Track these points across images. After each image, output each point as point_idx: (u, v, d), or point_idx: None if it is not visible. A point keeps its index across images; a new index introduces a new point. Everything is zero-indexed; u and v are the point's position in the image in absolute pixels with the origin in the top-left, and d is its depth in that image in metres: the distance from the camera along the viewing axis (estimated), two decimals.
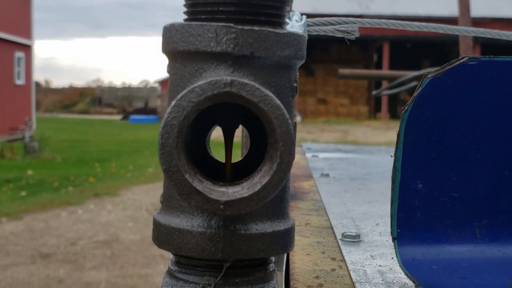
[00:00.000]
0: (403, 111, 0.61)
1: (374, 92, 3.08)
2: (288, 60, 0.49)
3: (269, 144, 0.45)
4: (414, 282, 0.58)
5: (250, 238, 0.47)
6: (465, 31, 1.39)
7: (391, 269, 0.65)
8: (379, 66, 28.50)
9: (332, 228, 0.85)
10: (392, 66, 25.99)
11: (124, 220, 7.63)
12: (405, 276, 0.60)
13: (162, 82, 33.72)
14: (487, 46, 23.43)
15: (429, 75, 0.60)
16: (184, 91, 0.43)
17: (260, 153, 0.49)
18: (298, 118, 25.34)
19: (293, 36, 0.49)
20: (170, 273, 0.51)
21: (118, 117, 34.26)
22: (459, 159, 0.63)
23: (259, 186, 0.44)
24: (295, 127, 0.49)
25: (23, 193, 9.30)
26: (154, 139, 19.40)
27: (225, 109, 0.51)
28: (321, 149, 2.12)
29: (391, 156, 0.61)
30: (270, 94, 0.44)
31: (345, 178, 1.40)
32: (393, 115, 27.87)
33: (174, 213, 0.49)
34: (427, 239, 0.62)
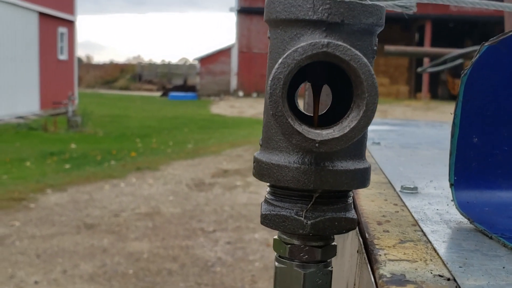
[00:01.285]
0: (463, 74, 0.70)
1: (419, 69, 3.13)
2: (371, 27, 0.59)
3: (356, 95, 0.55)
4: (469, 219, 0.68)
5: (336, 173, 0.58)
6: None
7: (447, 212, 0.75)
8: (420, 45, 28.07)
9: (390, 183, 0.95)
10: (434, 46, 25.61)
11: (165, 194, 7.78)
12: (461, 216, 0.70)
13: (201, 60, 33.74)
14: None
15: (486, 44, 0.70)
16: (289, 51, 0.54)
17: (338, 108, 0.60)
18: None
19: (376, 6, 0.59)
20: (267, 201, 0.62)
21: (157, 93, 34.54)
22: (510, 118, 0.72)
23: (347, 129, 0.55)
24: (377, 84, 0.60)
25: (67, 166, 9.52)
26: (193, 116, 19.59)
27: (314, 69, 0.61)
28: None
29: (451, 114, 0.70)
30: (359, 53, 0.54)
31: (396, 146, 1.48)
32: (434, 95, 27.52)
33: (274, 152, 0.60)
34: (480, 186, 0.72)
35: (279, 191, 0.62)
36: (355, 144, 0.60)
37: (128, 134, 13.85)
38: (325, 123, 0.60)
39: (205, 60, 33.53)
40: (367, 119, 0.55)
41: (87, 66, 41.45)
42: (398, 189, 0.89)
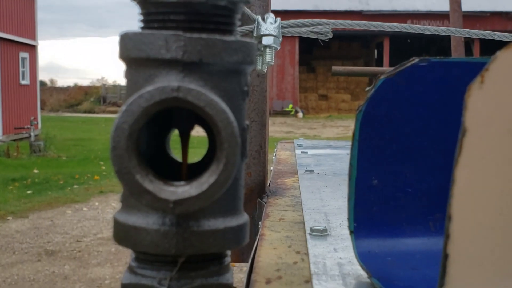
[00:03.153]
0: (357, 111, 0.63)
1: (367, 89, 3.09)
2: (237, 66, 0.51)
3: (217, 145, 0.47)
4: (367, 273, 0.60)
5: (202, 234, 0.50)
6: (450, 31, 1.41)
7: (350, 261, 0.67)
8: (379, 61, 28.49)
9: (303, 223, 0.87)
10: (392, 62, 25.98)
11: None
12: (361, 268, 0.62)
13: None
14: (486, 40, 23.36)
15: (382, 77, 0.62)
16: (133, 97, 0.46)
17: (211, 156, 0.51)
18: (299, 114, 25.33)
19: (241, 43, 0.50)
20: (130, 268, 0.53)
21: None
22: (412, 156, 0.65)
23: (206, 186, 0.46)
24: (247, 128, 0.51)
25: (29, 192, 9.32)
26: None
27: (181, 113, 0.53)
28: (312, 146, 2.14)
29: (347, 154, 0.63)
30: (216, 98, 0.46)
31: (329, 174, 1.41)
32: None
33: (131, 212, 0.51)
34: (383, 233, 0.64)
35: (142, 256, 0.52)
36: (226, 198, 0.51)
37: (92, 158, 13.63)
38: (202, 171, 0.51)
39: None
40: (227, 173, 0.46)
41: (50, 90, 40.80)
42: (308, 231, 0.81)
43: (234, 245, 0.52)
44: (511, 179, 0.43)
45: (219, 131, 0.46)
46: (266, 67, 1.03)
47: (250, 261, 0.72)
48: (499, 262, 0.44)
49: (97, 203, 8.48)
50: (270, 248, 0.73)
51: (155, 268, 0.51)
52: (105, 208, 8.13)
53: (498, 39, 1.76)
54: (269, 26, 0.97)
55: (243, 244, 0.53)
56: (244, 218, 0.54)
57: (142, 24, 0.52)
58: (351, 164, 0.63)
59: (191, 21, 0.50)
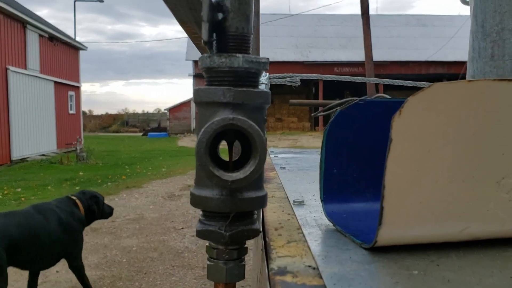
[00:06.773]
0: (325, 129, 0.73)
1: (313, 114, 3.20)
2: (262, 105, 0.61)
3: (253, 149, 0.57)
4: (332, 223, 0.70)
5: (244, 200, 0.59)
6: (366, 80, 1.53)
7: (321, 218, 0.76)
8: (316, 96, 28.85)
9: (287, 198, 0.96)
10: (325, 96, 26.31)
11: (147, 204, 7.62)
12: (328, 221, 0.72)
13: (170, 109, 33.65)
14: (387, 85, 23.77)
15: (339, 109, 0.72)
16: (208, 123, 0.55)
17: (246, 156, 0.61)
18: None
19: (264, 92, 0.61)
20: (200, 221, 0.62)
21: (140, 134, 33.97)
22: (357, 155, 0.74)
23: (248, 172, 0.56)
24: (266, 140, 0.62)
25: (77, 188, 9.19)
26: (165, 149, 19.27)
27: (228, 132, 0.63)
28: (280, 152, 2.23)
29: (318, 155, 0.73)
30: (253, 123, 0.56)
31: (295, 170, 1.50)
32: None
33: (202, 188, 0.60)
34: (340, 200, 0.73)
35: (207, 214, 0.61)
36: (256, 180, 0.61)
37: (120, 163, 13.49)
38: (239, 165, 0.60)
39: (172, 109, 33.42)
40: (260, 165, 0.56)
41: (89, 117, 40.34)
42: (291, 202, 0.90)
43: (261, 207, 0.62)
44: (416, 163, 0.54)
45: (255, 141, 0.56)
46: None
47: (260, 220, 0.81)
48: (413, 212, 0.55)
49: (124, 195, 8.42)
50: (271, 212, 0.82)
51: (216, 220, 0.60)
52: (130, 199, 8.07)
53: (392, 83, 1.90)
54: (262, 78, 1.08)
55: (265, 206, 0.63)
56: (265, 191, 0.63)
57: (206, 82, 0.62)
58: (321, 160, 0.73)
59: (236, 81, 0.59)
